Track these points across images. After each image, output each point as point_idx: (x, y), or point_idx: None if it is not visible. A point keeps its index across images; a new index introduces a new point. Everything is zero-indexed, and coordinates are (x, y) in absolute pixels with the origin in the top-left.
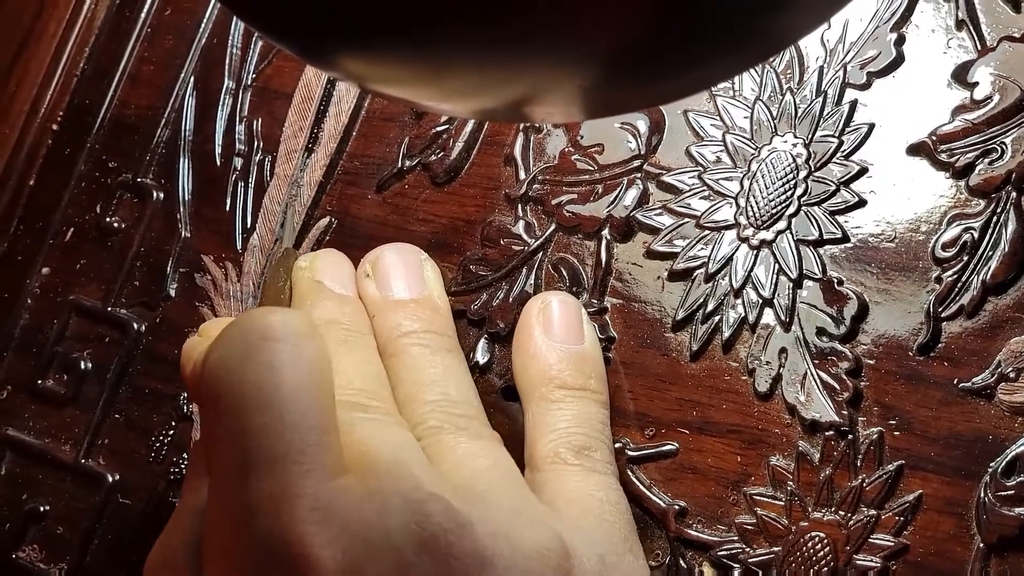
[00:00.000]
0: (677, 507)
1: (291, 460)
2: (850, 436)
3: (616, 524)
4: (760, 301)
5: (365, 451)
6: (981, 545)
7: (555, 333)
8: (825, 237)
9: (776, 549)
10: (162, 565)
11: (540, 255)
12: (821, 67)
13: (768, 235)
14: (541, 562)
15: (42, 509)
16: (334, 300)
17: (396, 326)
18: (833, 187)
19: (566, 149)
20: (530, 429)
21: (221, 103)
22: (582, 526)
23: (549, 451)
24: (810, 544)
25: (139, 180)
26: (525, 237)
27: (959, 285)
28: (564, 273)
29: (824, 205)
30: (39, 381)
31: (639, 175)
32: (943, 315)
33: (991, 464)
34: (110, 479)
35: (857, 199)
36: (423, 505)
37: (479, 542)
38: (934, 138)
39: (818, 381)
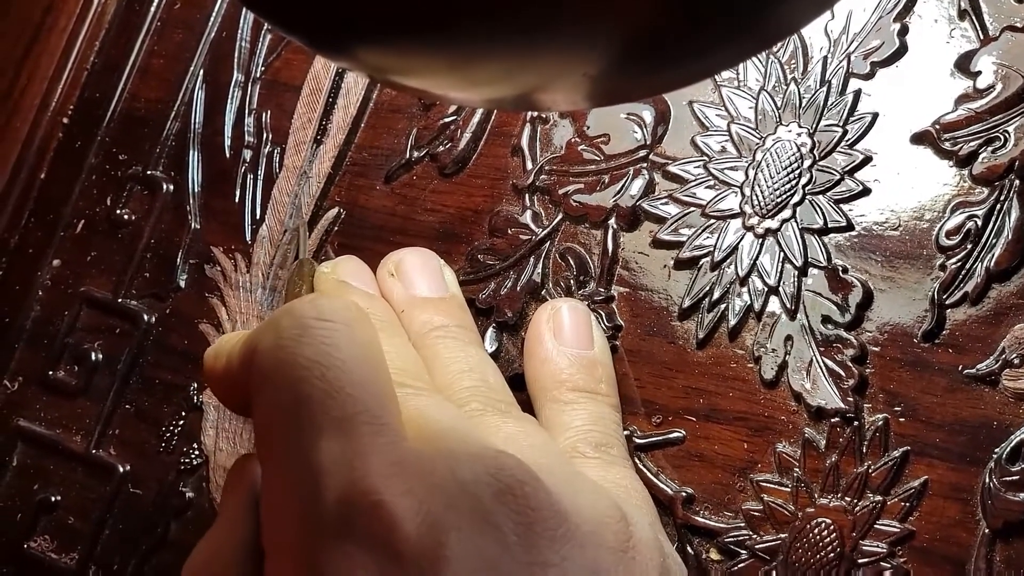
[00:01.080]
0: (684, 494)
1: (358, 420)
2: (856, 423)
3: (645, 507)
4: (766, 289)
5: (422, 423)
6: (986, 531)
7: (565, 338)
8: (830, 225)
9: (783, 535)
10: (206, 568)
11: (547, 244)
12: (825, 57)
13: (773, 224)
14: (604, 523)
15: (53, 499)
16: (361, 295)
17: (427, 321)
18: (837, 176)
19: (573, 139)
20: (545, 430)
21: (230, 96)
22: (623, 498)
23: (567, 447)
24: (816, 530)
25: (149, 172)
26: (532, 227)
27: (963, 272)
28: (571, 262)
29: (829, 194)
30: (50, 372)
31: (645, 165)
32: (947, 302)
33: (996, 450)
34: (121, 469)
35: (861, 188)
36: (496, 459)
37: (553, 495)
38: (937, 127)
39: (824, 368)
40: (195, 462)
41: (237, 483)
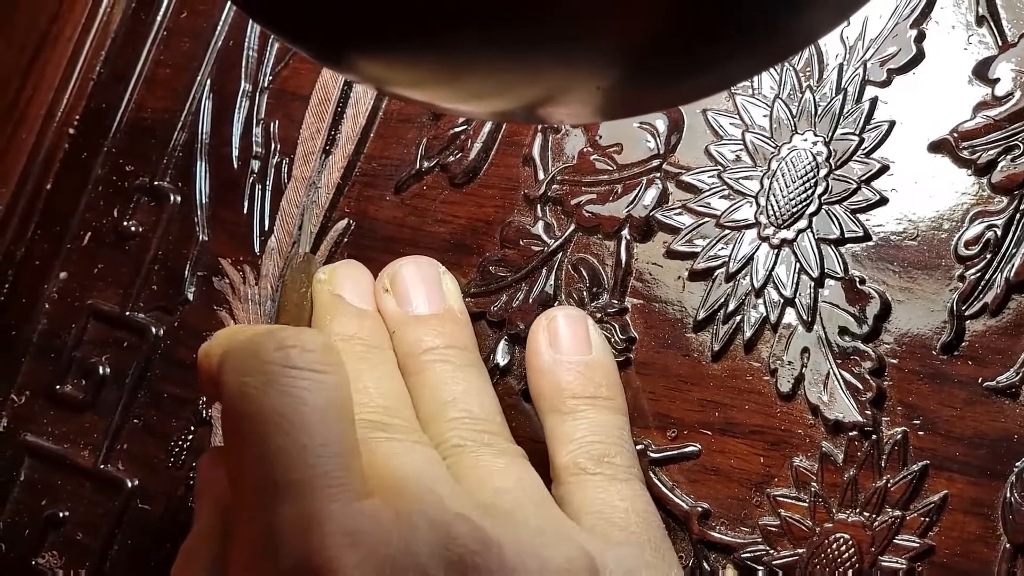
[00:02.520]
0: (700, 509)
1: (316, 484)
2: (874, 436)
3: (644, 534)
4: (782, 300)
5: (389, 472)
6: (1007, 546)
7: (562, 347)
8: (846, 236)
9: (800, 551)
10: None
11: (560, 255)
12: (841, 64)
13: (789, 234)
14: None
15: (61, 515)
16: (353, 315)
17: (417, 342)
18: (854, 185)
19: (585, 149)
20: (549, 443)
21: (238, 106)
22: (610, 539)
23: (569, 462)
24: (835, 546)
25: (156, 183)
26: (544, 238)
27: (982, 283)
28: (584, 273)
29: (845, 203)
30: (57, 386)
31: (658, 175)
32: (966, 313)
33: (1017, 464)
34: (129, 484)
35: (878, 197)
36: (449, 527)
37: (506, 562)
38: (956, 135)
39: (841, 381)
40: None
41: (210, 485)
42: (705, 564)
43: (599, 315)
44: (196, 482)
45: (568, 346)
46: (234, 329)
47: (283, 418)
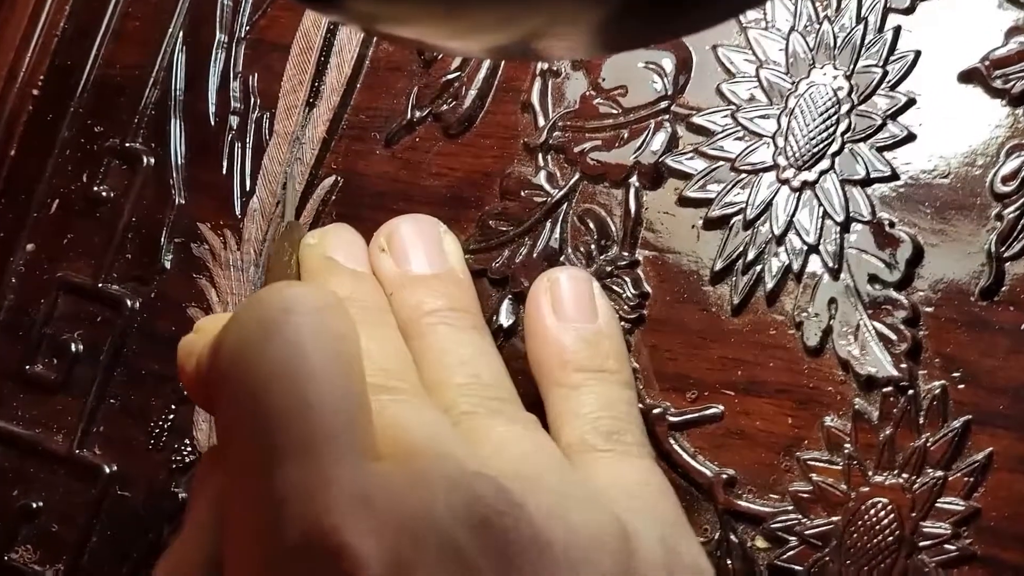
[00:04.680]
0: (725, 476)
1: (323, 445)
2: (910, 391)
3: (661, 507)
4: (805, 248)
5: (398, 435)
6: None
7: (566, 312)
8: (872, 176)
9: (835, 518)
10: None
11: (564, 207)
12: None
13: (810, 176)
14: (599, 545)
15: (35, 506)
16: (347, 276)
17: (418, 304)
18: (879, 121)
19: (587, 93)
20: (552, 419)
21: (213, 58)
22: (632, 508)
23: (576, 439)
24: (872, 511)
25: (128, 145)
26: (547, 188)
27: (1022, 222)
28: (591, 225)
29: (870, 141)
30: (27, 367)
31: (667, 117)
32: (1006, 255)
33: None
34: (107, 470)
35: (906, 133)
36: (472, 486)
37: (535, 525)
38: (987, 63)
39: (873, 332)
40: (188, 459)
41: (205, 483)
42: (733, 536)
43: (609, 269)
44: (192, 481)
45: (572, 312)
46: (216, 316)
47: (284, 372)
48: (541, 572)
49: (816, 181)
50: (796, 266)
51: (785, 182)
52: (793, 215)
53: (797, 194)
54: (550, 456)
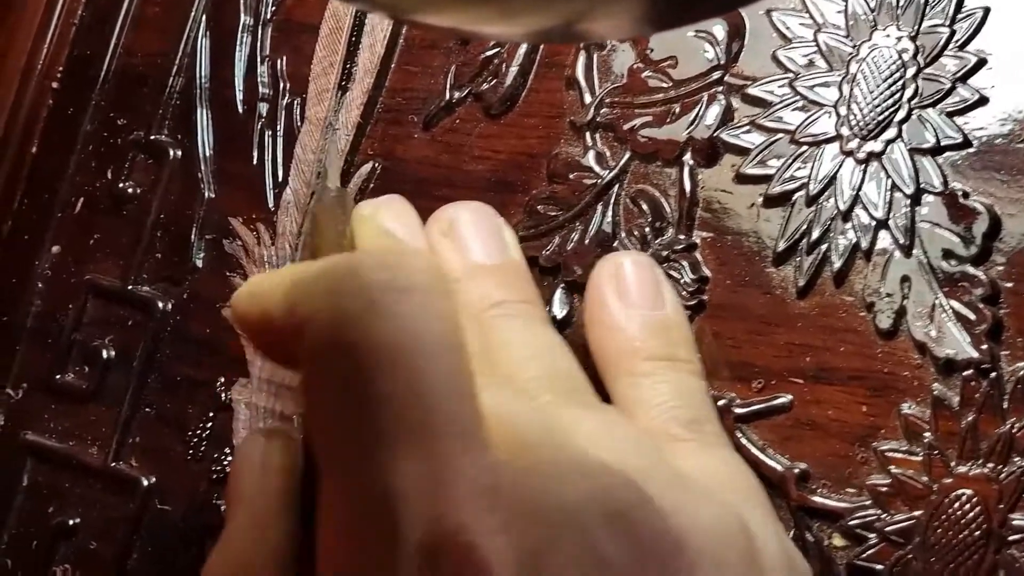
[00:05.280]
0: (797, 470)
1: (443, 434)
2: (993, 374)
3: (753, 499)
4: (873, 223)
5: (501, 424)
6: None
7: (631, 299)
8: (943, 143)
9: (917, 513)
10: None
11: (615, 188)
12: None
13: (876, 146)
14: (728, 544)
15: (71, 523)
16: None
17: (485, 295)
18: (947, 85)
19: (635, 66)
20: (622, 410)
21: (239, 42)
22: (738, 502)
23: (653, 428)
24: (957, 504)
25: (153, 137)
26: (597, 169)
27: None
28: (644, 207)
29: (939, 106)
30: (57, 376)
31: (720, 89)
32: None
33: None
34: (145, 483)
35: (977, 96)
36: (600, 477)
37: (667, 520)
38: None
39: (949, 312)
40: (228, 469)
41: (260, 474)
42: (808, 534)
43: (665, 253)
44: (231, 467)
45: (639, 298)
46: (267, 274)
47: (396, 354)
48: (678, 572)
49: (883, 151)
50: (864, 243)
51: (849, 154)
52: (859, 189)
53: (863, 166)
54: (649, 447)
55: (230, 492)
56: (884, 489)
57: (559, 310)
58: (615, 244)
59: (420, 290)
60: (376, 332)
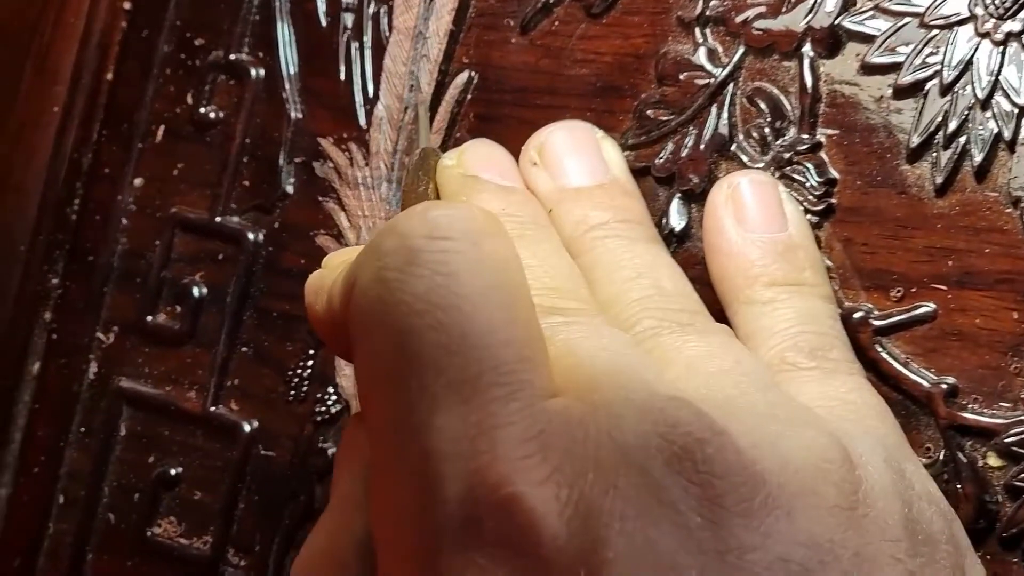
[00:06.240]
0: (945, 386)
1: (488, 386)
2: None
3: (880, 427)
4: (1016, 110)
5: (575, 364)
6: None
7: (750, 222)
8: None
9: None
10: (319, 570)
11: (730, 87)
12: None
13: (1015, 25)
14: (821, 474)
15: (173, 472)
16: (496, 192)
17: (582, 219)
18: None
19: None
20: (742, 340)
21: None
22: (847, 430)
23: (773, 357)
24: None
25: (233, 57)
26: (709, 67)
27: None
28: (762, 106)
29: None
30: (148, 317)
31: None
32: None
33: None
34: (247, 428)
35: None
36: (665, 412)
37: (742, 453)
38: None
39: None
40: (333, 410)
41: (349, 455)
42: (960, 454)
43: (788, 155)
44: (337, 450)
45: (758, 221)
46: (344, 250)
47: (432, 304)
48: (754, 512)
49: (1022, 31)
50: (1007, 133)
51: (986, 35)
52: (998, 73)
53: (1001, 48)
54: (752, 372)
55: (332, 479)
56: None
57: (677, 222)
58: (732, 148)
59: (464, 238)
60: (414, 286)
